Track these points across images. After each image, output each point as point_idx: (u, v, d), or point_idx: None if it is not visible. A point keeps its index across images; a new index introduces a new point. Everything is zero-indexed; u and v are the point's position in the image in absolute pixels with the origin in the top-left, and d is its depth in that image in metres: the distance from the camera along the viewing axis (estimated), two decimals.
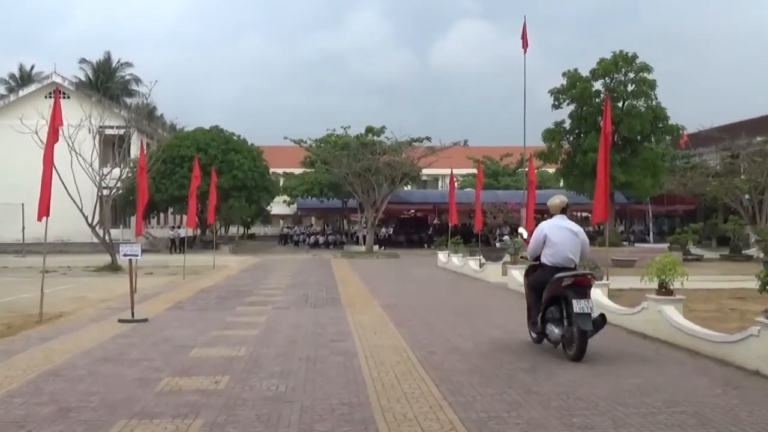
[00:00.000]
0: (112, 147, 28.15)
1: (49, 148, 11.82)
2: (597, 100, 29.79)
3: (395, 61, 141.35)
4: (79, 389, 6.57)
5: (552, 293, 8.16)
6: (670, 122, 30.43)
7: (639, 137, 30.02)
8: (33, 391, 6.54)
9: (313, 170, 46.84)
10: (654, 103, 29.91)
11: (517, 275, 15.27)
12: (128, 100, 52.28)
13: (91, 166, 24.32)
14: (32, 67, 60.80)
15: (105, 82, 58.73)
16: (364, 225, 43.44)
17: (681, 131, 32.23)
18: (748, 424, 5.44)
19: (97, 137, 25.66)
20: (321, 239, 49.27)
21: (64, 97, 31.39)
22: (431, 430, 5.28)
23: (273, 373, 7.23)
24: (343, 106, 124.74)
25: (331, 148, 43.53)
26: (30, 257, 29.95)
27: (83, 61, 60.90)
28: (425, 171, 47.41)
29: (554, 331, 8.11)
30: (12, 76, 60.15)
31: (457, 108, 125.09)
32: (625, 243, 33.59)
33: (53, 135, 11.80)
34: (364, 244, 40.75)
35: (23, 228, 32.86)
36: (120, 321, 11.14)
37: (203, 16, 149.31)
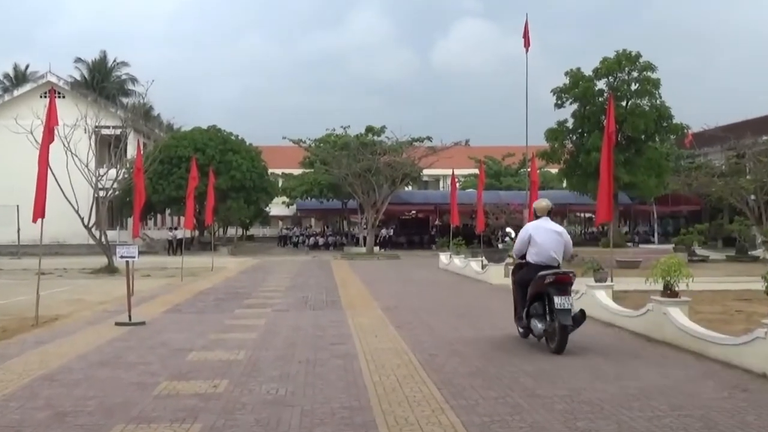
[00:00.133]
0: (108, 147, 28.02)
1: (44, 149, 11.75)
2: (600, 100, 29.56)
3: (396, 60, 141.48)
4: (75, 393, 6.53)
5: (536, 290, 8.69)
6: (674, 121, 30.10)
7: (643, 137, 29.77)
8: (29, 395, 6.49)
9: (312, 171, 46.66)
10: (658, 102, 29.62)
11: None
12: (124, 100, 52.32)
13: (87, 166, 24.28)
14: (27, 67, 60.67)
15: (101, 82, 58.60)
16: (365, 226, 43.34)
17: (685, 131, 31.91)
18: (756, 427, 5.39)
19: (93, 137, 25.68)
20: (321, 240, 49.14)
21: (59, 97, 31.06)
22: None
23: (272, 377, 7.19)
24: (343, 105, 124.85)
25: (330, 148, 43.38)
26: (25, 259, 29.73)
27: (79, 60, 60.85)
28: (426, 171, 47.34)
29: (537, 325, 8.65)
30: (6, 75, 60.16)
31: (458, 107, 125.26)
32: (629, 244, 33.50)
33: (48, 135, 11.74)
34: (365, 245, 40.66)
35: (18, 230, 32.84)
36: (117, 324, 11.08)
37: (202, 15, 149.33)
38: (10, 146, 28.85)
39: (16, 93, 41.64)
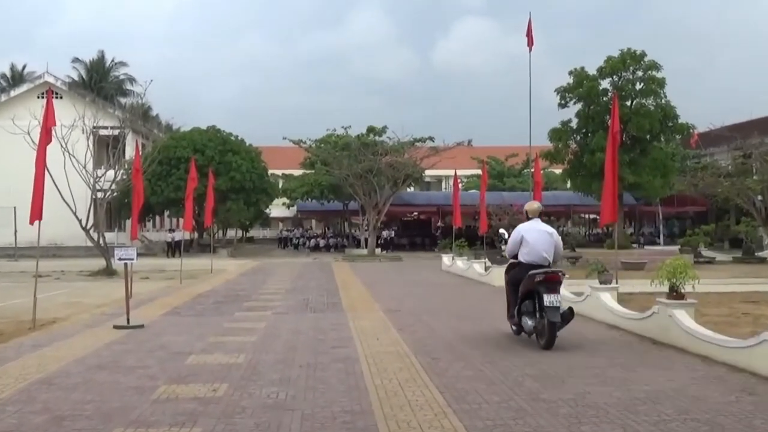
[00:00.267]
0: (106, 148, 28.01)
1: (41, 150, 11.68)
2: (605, 99, 29.50)
3: (397, 59, 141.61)
4: (73, 397, 6.49)
5: (526, 288, 9.09)
6: (679, 121, 30.02)
7: (648, 137, 29.67)
8: (26, 399, 6.45)
9: (313, 171, 46.46)
10: (663, 101, 29.51)
11: None
12: (123, 100, 52.14)
13: (84, 167, 24.19)
14: (24, 67, 60.70)
15: (99, 82, 58.56)
16: (366, 228, 43.25)
17: (691, 130, 31.89)
18: (763, 431, 5.34)
19: (91, 138, 25.57)
20: (321, 242, 49.10)
21: (56, 97, 31.05)
22: None
23: (272, 381, 7.14)
24: (343, 105, 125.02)
25: (331, 148, 43.30)
26: (23, 261, 29.61)
27: (76, 60, 60.87)
28: (428, 172, 47.30)
29: (528, 322, 9.09)
30: (3, 76, 60.18)
31: (460, 107, 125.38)
32: (634, 245, 33.45)
33: (46, 136, 11.69)
34: (366, 247, 40.53)
35: (15, 231, 32.76)
36: (115, 327, 11.03)
37: (201, 14, 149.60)
38: (7, 147, 28.81)
39: (13, 93, 41.60)
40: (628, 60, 29.56)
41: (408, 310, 13.33)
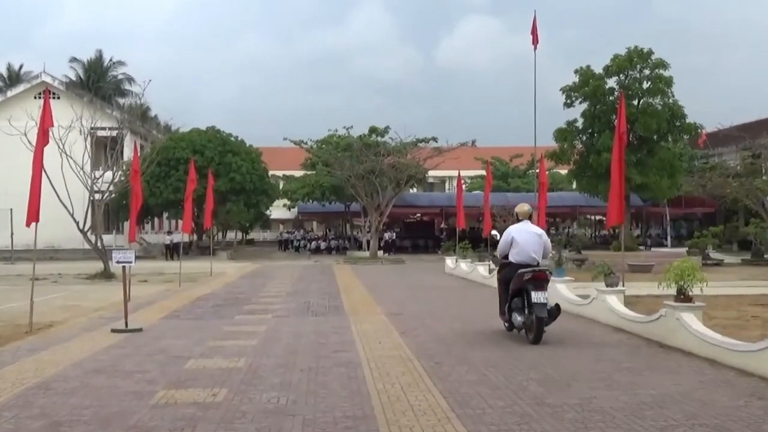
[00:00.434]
0: (104, 149, 27.95)
1: (38, 151, 11.62)
2: (611, 98, 29.21)
3: (399, 58, 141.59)
4: (70, 402, 6.46)
5: (516, 286, 9.64)
6: (687, 121, 29.68)
7: (655, 136, 29.41)
8: (23, 404, 6.41)
9: (314, 172, 46.35)
10: (671, 100, 29.20)
11: None
12: (121, 101, 51.89)
13: (82, 169, 24.11)
14: (21, 67, 60.54)
15: (96, 82, 58.34)
16: (368, 229, 43.11)
17: (699, 130, 31.59)
18: None
19: (89, 139, 25.44)
20: (323, 244, 48.98)
21: (53, 98, 31.19)
22: None
23: (273, 385, 7.08)
24: (345, 105, 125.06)
25: (332, 149, 43.19)
26: (19, 264, 29.69)
27: (74, 60, 60.60)
28: (431, 173, 47.15)
29: (517, 318, 9.63)
30: (0, 76, 59.96)
31: (464, 107, 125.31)
32: (641, 247, 33.38)
33: (43, 137, 11.61)
34: (368, 249, 40.42)
35: (12, 234, 32.62)
36: (113, 331, 10.96)
37: (200, 14, 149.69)
38: (4, 148, 28.83)
39: (9, 94, 41.50)
40: (635, 58, 29.26)
41: (410, 314, 13.27)
